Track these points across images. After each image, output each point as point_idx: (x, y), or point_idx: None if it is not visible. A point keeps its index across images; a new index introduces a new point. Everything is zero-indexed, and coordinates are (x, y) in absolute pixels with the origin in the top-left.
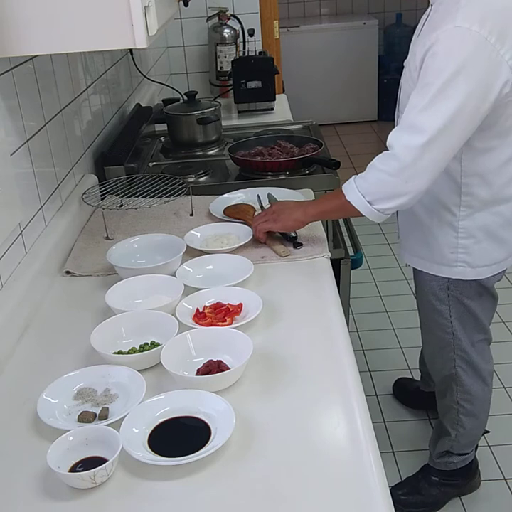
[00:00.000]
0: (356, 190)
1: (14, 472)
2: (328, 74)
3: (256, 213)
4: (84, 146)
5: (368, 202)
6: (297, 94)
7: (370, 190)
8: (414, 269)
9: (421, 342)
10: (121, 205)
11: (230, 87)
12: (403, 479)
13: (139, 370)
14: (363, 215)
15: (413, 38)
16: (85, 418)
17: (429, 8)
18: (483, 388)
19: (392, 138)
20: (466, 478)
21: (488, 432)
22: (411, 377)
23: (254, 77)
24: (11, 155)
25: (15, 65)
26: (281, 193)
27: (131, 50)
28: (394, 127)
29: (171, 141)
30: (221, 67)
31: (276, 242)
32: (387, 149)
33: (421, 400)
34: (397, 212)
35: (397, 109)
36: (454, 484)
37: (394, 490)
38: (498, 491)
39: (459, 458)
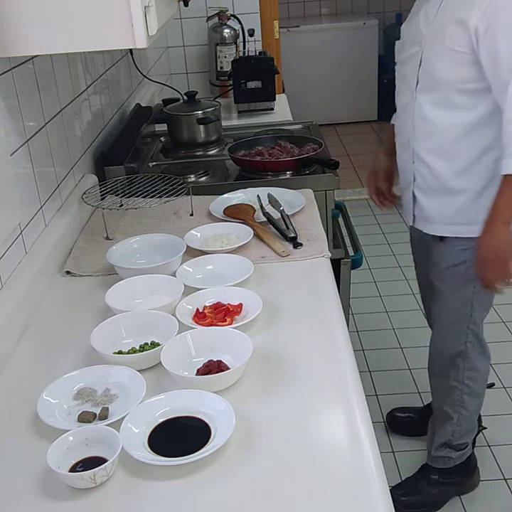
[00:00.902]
0: None
1: (14, 472)
2: (328, 74)
3: (256, 213)
4: (84, 146)
5: None
6: (297, 94)
7: None
8: (447, 242)
9: (420, 341)
10: (121, 205)
11: (230, 87)
12: (403, 479)
13: (139, 370)
14: None
15: (421, 15)
16: (85, 418)
17: None
18: (486, 364)
19: None
20: (465, 476)
21: (485, 428)
22: (404, 404)
23: (254, 77)
24: (11, 155)
25: (15, 65)
26: (281, 193)
27: (131, 50)
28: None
29: (171, 141)
30: (221, 67)
31: (276, 241)
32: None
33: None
34: (413, 194)
35: (415, 86)
36: (453, 482)
37: (394, 490)
38: (498, 490)
39: (457, 454)
